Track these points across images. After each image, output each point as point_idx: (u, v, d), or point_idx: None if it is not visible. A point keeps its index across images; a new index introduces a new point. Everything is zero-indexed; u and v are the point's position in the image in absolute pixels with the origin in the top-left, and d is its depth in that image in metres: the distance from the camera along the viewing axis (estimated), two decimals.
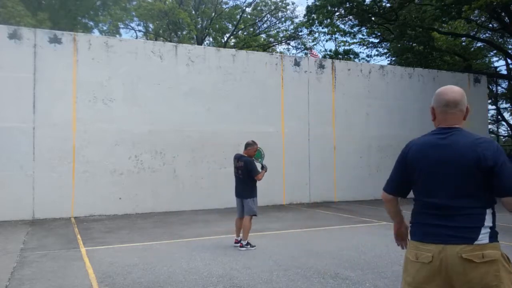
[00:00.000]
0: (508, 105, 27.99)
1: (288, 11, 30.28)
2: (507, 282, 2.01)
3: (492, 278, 2.00)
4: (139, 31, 31.25)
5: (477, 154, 2.12)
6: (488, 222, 2.13)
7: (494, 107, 26.45)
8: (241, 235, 6.87)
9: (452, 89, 2.37)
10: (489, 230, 2.11)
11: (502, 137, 31.91)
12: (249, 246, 6.75)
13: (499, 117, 27.79)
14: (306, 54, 25.76)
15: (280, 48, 32.67)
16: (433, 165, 2.20)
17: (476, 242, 2.04)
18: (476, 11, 17.12)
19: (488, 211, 2.15)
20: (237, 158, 7.06)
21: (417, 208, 2.27)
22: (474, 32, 22.71)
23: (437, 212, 2.15)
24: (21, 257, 6.34)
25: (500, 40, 23.88)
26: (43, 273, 5.40)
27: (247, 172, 6.85)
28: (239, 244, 6.81)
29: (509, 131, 29.97)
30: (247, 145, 7.14)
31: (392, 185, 2.40)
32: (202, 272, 5.41)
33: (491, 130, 25.03)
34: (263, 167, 7.09)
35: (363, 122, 14.59)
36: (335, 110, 14.26)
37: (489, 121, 22.91)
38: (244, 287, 4.79)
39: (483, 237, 2.07)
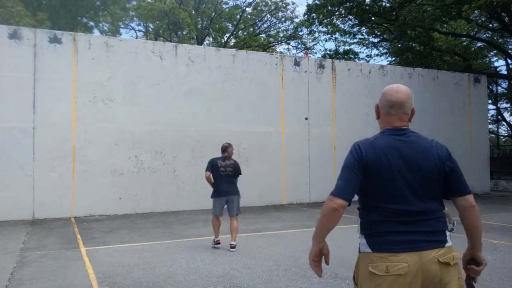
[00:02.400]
0: (508, 105, 27.99)
1: (288, 11, 30.33)
2: (462, 285, 2.02)
3: (458, 279, 1.99)
4: (139, 31, 31.28)
5: (440, 155, 2.07)
6: (446, 226, 2.08)
7: (494, 107, 26.44)
8: (221, 236, 6.81)
9: (398, 89, 2.13)
10: (448, 234, 2.06)
11: (502, 137, 31.91)
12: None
13: (499, 117, 27.78)
14: (305, 53, 25.77)
15: (280, 48, 32.71)
16: (398, 168, 2.01)
17: (446, 245, 1.99)
18: (476, 11, 17.12)
19: (443, 215, 2.09)
20: (221, 159, 6.89)
21: (377, 216, 2.00)
22: (474, 32, 22.71)
23: (408, 219, 1.97)
24: (21, 257, 6.34)
25: (500, 40, 23.88)
26: (43, 273, 5.40)
27: (237, 170, 6.89)
28: (228, 245, 6.69)
29: (509, 131, 29.96)
30: (227, 147, 6.99)
31: (349, 192, 1.98)
32: (202, 272, 5.41)
33: (491, 130, 25.02)
34: None
35: (363, 122, 14.58)
36: (335, 110, 14.26)
37: (489, 121, 22.90)
38: (244, 287, 4.79)
39: (448, 239, 2.02)
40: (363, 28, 23.22)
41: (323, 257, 2.06)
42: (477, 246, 2.09)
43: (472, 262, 2.11)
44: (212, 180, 6.81)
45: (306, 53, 18.65)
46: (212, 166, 6.80)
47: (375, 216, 2.02)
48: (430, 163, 2.03)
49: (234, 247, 6.66)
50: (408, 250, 1.93)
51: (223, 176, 6.76)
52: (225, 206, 6.79)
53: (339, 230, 9.32)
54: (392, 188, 2.00)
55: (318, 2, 19.41)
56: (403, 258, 1.91)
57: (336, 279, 5.03)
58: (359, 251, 2.07)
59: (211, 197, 6.85)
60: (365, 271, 1.99)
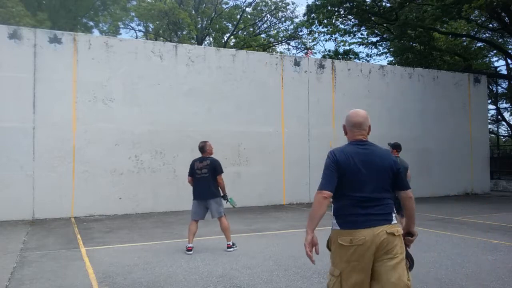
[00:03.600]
0: (508, 105, 27.98)
1: (288, 11, 30.30)
2: (403, 251, 2.81)
3: (401, 246, 2.79)
4: (139, 31, 31.27)
5: (391, 160, 2.90)
6: (393, 209, 2.88)
7: (494, 107, 26.43)
8: (197, 238, 6.66)
9: (358, 114, 3.02)
10: (394, 215, 2.87)
11: (502, 137, 31.89)
12: (235, 246, 6.67)
13: (499, 117, 27.77)
14: (306, 53, 25.77)
15: (280, 48, 32.68)
16: (360, 168, 2.80)
17: (392, 223, 2.80)
18: (476, 11, 17.12)
19: (391, 202, 2.89)
20: (199, 160, 6.70)
21: (345, 202, 2.80)
22: (474, 32, 22.70)
23: (366, 204, 2.77)
24: (21, 257, 6.34)
25: (500, 40, 23.87)
26: (43, 273, 5.40)
27: (213, 170, 6.55)
28: (225, 246, 6.64)
29: (509, 131, 29.96)
30: (203, 147, 6.78)
31: (331, 184, 2.80)
32: (202, 272, 5.41)
33: (491, 130, 25.01)
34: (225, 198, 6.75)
35: None
36: (335, 110, 14.26)
37: (489, 121, 22.90)
38: (244, 287, 4.79)
39: (394, 219, 2.83)
40: (363, 28, 23.21)
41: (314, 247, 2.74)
42: (411, 224, 3.00)
43: (408, 234, 2.98)
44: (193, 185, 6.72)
45: (307, 53, 18.64)
46: (191, 169, 6.71)
47: (343, 202, 2.81)
48: (384, 165, 2.85)
49: (230, 247, 6.60)
50: (366, 227, 2.71)
51: (199, 179, 6.59)
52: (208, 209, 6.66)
53: None
54: (356, 182, 2.80)
55: (318, 3, 19.40)
56: (362, 233, 2.70)
57: None
58: (332, 229, 2.87)
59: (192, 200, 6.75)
60: (336, 243, 2.80)
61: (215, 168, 6.60)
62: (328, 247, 2.92)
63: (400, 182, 2.90)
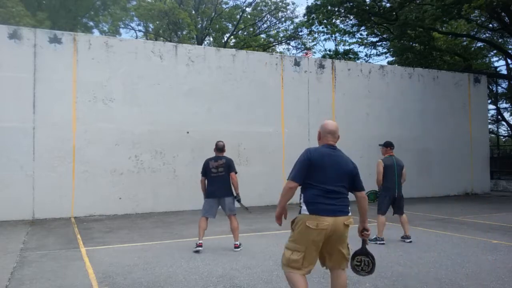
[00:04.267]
0: (508, 105, 27.97)
1: (288, 11, 30.29)
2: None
3: (347, 232, 3.53)
4: (139, 31, 31.27)
5: (351, 166, 3.60)
6: (349, 204, 3.54)
7: (494, 107, 26.43)
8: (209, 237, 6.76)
9: (332, 124, 3.72)
10: (350, 208, 3.53)
11: (502, 137, 31.89)
12: (241, 246, 6.71)
13: (499, 117, 27.77)
14: (305, 53, 25.77)
15: (280, 48, 32.68)
16: (329, 166, 3.50)
17: (348, 214, 3.50)
18: (476, 11, 17.11)
19: (348, 198, 3.56)
20: (213, 159, 6.79)
21: (315, 192, 3.45)
22: (474, 32, 22.69)
23: (331, 196, 3.43)
24: (21, 257, 6.34)
25: (500, 40, 23.86)
26: (43, 273, 5.40)
27: (228, 168, 6.71)
28: (226, 245, 6.70)
29: (509, 131, 29.95)
30: (224, 145, 6.91)
31: (300, 177, 3.49)
32: (202, 272, 5.41)
33: (491, 130, 25.00)
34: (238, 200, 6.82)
35: (363, 122, 14.58)
36: (335, 110, 14.26)
37: (489, 121, 22.90)
38: (244, 287, 4.79)
39: (349, 211, 3.52)
40: (362, 28, 23.21)
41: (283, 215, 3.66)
42: (365, 221, 3.69)
43: (363, 230, 3.67)
44: (205, 186, 6.76)
45: (306, 53, 18.62)
46: (205, 168, 6.77)
47: (313, 191, 3.46)
48: (347, 169, 3.56)
49: (237, 247, 6.64)
50: (330, 215, 3.39)
51: (215, 177, 6.67)
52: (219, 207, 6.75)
53: None
54: (325, 176, 3.47)
55: (318, 2, 19.40)
56: (326, 219, 3.38)
57: None
58: (299, 213, 3.53)
59: (204, 198, 6.81)
60: (303, 225, 3.42)
61: (231, 166, 6.74)
62: (292, 227, 3.56)
63: (358, 184, 3.60)
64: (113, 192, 11.22)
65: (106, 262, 5.95)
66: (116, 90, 11.42)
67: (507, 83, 26.38)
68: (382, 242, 7.07)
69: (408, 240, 7.32)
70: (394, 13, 18.91)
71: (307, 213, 3.42)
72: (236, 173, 6.81)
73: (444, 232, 8.25)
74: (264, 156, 12.99)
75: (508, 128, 29.30)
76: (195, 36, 29.15)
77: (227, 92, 12.71)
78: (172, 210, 11.65)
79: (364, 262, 3.74)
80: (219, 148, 6.86)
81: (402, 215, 7.41)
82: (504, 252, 6.53)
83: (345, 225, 3.45)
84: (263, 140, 13.05)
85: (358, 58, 26.12)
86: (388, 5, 19.63)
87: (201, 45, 26.90)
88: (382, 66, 15.63)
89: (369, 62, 24.03)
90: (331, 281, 3.62)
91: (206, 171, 6.75)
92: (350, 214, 3.49)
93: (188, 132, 11.83)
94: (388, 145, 7.63)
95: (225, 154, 6.95)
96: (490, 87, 23.81)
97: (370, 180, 14.35)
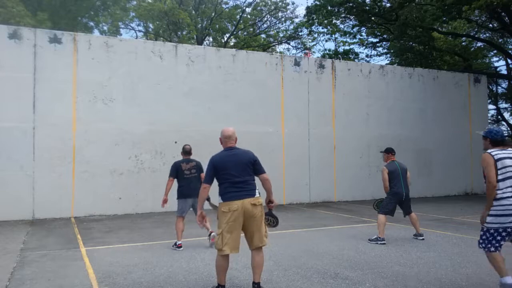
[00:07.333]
0: (508, 105, 27.98)
1: (288, 11, 30.28)
2: (262, 214, 4.47)
3: (261, 213, 4.43)
4: (139, 31, 31.24)
5: (250, 156, 4.50)
6: (255, 186, 4.44)
7: (494, 107, 26.44)
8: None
9: (229, 130, 4.71)
10: (257, 190, 4.42)
11: None
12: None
13: (499, 117, 27.77)
14: (305, 53, 25.76)
15: (280, 48, 32.66)
16: (231, 163, 4.41)
17: (255, 196, 4.38)
18: (476, 11, 17.11)
19: (254, 182, 4.46)
20: (185, 161, 7.18)
21: (225, 185, 4.36)
22: (474, 32, 22.70)
23: (238, 185, 4.33)
24: (21, 257, 6.34)
25: (500, 40, 23.86)
26: (43, 273, 5.40)
27: (200, 169, 7.11)
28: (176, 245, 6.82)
29: (509, 131, 29.95)
30: (191, 149, 7.41)
31: (209, 179, 4.48)
32: (202, 272, 5.41)
33: None
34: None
35: (363, 122, 14.58)
36: (335, 110, 14.26)
37: (489, 121, 22.91)
38: (244, 287, 4.79)
39: (256, 193, 4.40)
40: (363, 28, 23.21)
41: (203, 218, 4.69)
42: (270, 195, 4.58)
43: (269, 202, 4.63)
44: (170, 187, 7.05)
45: (306, 53, 18.63)
46: (177, 170, 7.06)
47: (224, 185, 4.38)
48: (246, 158, 4.47)
49: (181, 246, 6.76)
50: (238, 199, 4.29)
51: (188, 178, 7.02)
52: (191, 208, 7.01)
53: (339, 230, 9.31)
54: (229, 173, 4.37)
55: (318, 3, 19.40)
56: (236, 203, 4.28)
57: (336, 279, 5.03)
58: (218, 203, 4.42)
59: (177, 199, 7.05)
60: (220, 211, 4.37)
61: (201, 168, 7.11)
62: (217, 216, 4.44)
63: (258, 169, 4.49)
64: (113, 192, 11.22)
65: (106, 262, 5.95)
66: (116, 90, 11.42)
67: (507, 83, 26.37)
68: (383, 242, 7.07)
69: (421, 238, 7.40)
70: (394, 13, 18.92)
71: (222, 201, 4.36)
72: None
73: (444, 232, 8.25)
74: (264, 156, 12.82)
75: (508, 128, 29.30)
76: (195, 36, 29.14)
77: (227, 92, 12.71)
78: (172, 210, 11.58)
79: (270, 220, 4.82)
80: (187, 151, 7.35)
81: (411, 213, 7.48)
82: (504, 252, 6.49)
83: (253, 205, 4.30)
84: (263, 140, 13.05)
85: (359, 59, 26.13)
86: (388, 5, 19.64)
87: (201, 45, 26.90)
88: (382, 66, 15.63)
89: (369, 62, 24.03)
90: (252, 258, 4.47)
91: (178, 173, 7.06)
92: (257, 195, 4.38)
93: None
94: (389, 151, 7.65)
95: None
96: (490, 87, 23.83)
97: (369, 180, 14.52)
